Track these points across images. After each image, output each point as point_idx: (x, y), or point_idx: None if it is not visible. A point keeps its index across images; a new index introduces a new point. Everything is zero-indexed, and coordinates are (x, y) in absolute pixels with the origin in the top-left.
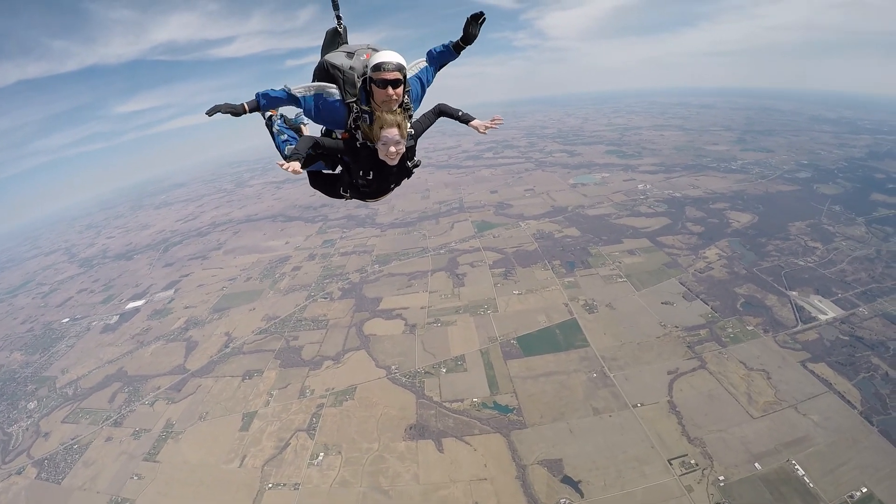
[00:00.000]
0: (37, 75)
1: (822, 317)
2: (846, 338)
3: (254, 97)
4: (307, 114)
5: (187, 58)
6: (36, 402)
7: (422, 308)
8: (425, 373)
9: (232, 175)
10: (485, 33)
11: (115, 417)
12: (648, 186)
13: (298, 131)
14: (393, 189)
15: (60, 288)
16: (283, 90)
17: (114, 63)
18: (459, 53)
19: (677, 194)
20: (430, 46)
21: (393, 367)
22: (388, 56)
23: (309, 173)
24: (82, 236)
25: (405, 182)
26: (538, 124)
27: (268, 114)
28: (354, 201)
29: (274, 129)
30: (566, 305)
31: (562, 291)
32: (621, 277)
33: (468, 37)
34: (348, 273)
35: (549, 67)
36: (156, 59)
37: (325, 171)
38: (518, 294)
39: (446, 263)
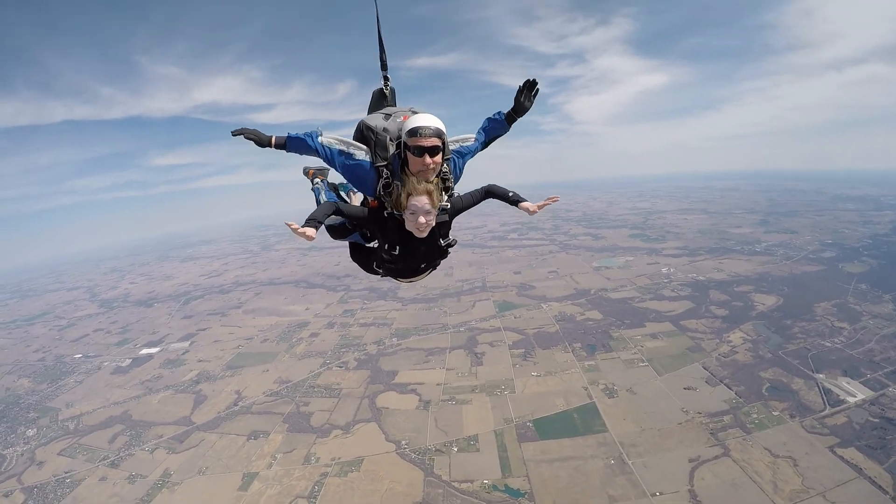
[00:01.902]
0: (83, 117)
1: (851, 399)
2: (876, 420)
3: (285, 136)
4: (332, 165)
5: (228, 119)
6: (36, 430)
7: (437, 384)
8: (436, 450)
9: (259, 238)
10: None
11: (112, 458)
12: (672, 270)
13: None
14: (427, 271)
15: (78, 324)
16: (312, 133)
17: (157, 116)
18: (511, 126)
19: (701, 277)
20: (461, 126)
21: (403, 442)
22: (426, 120)
23: (349, 245)
24: (106, 278)
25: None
26: (563, 207)
27: (315, 181)
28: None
29: (321, 198)
30: (585, 389)
31: (581, 375)
32: (643, 362)
33: (520, 107)
34: (366, 344)
35: (575, 151)
36: (198, 117)
37: (365, 245)
38: (537, 376)
39: (465, 341)
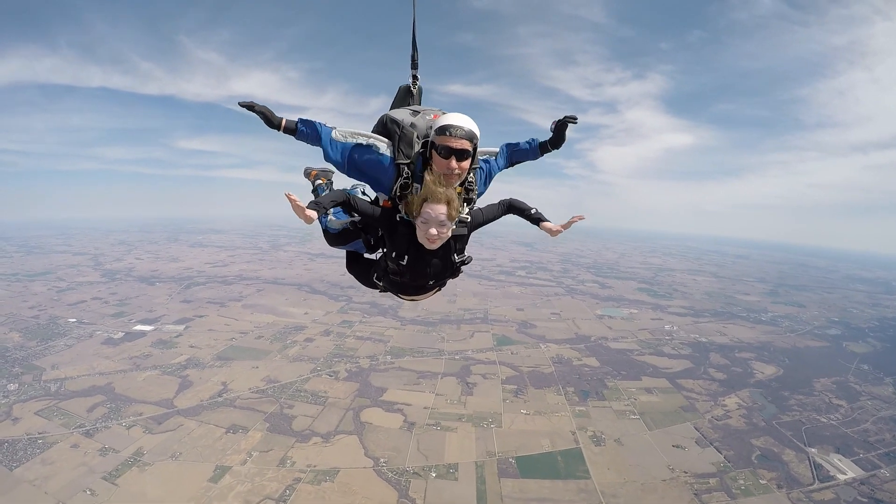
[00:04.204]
0: (118, 87)
1: (842, 476)
2: (865, 500)
3: (296, 120)
4: (339, 165)
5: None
6: (17, 385)
7: (425, 408)
8: (414, 473)
9: (270, 236)
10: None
11: (88, 428)
12: (675, 328)
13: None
14: (434, 290)
15: (77, 289)
16: (322, 124)
17: (190, 99)
18: (543, 155)
19: (703, 339)
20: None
21: (382, 459)
22: (460, 119)
23: (347, 254)
24: (113, 249)
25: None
26: (575, 252)
27: (317, 182)
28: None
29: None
30: (573, 433)
31: (571, 419)
32: (635, 414)
33: (559, 140)
34: (359, 357)
35: (594, 199)
36: (229, 107)
37: (363, 255)
38: (526, 413)
39: (459, 370)
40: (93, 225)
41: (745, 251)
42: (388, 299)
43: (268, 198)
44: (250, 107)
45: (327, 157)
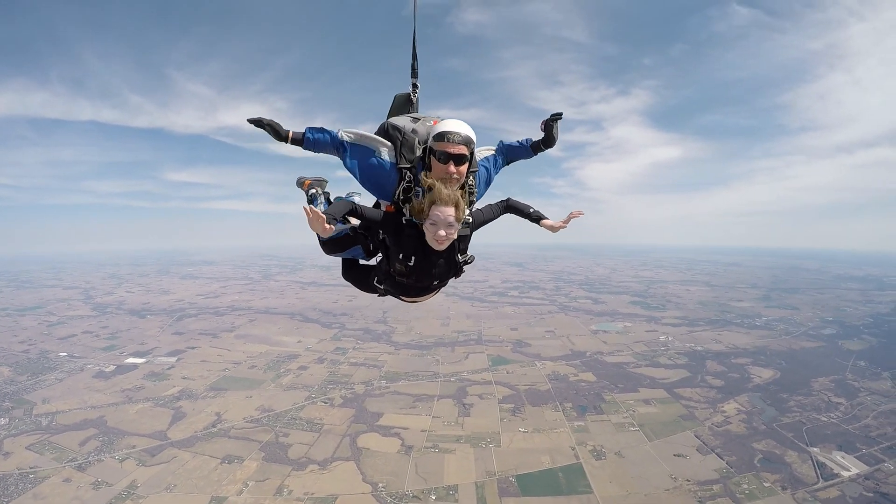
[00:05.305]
0: (108, 121)
1: (845, 473)
2: (871, 494)
3: (302, 130)
4: (348, 166)
5: (248, 146)
6: (8, 420)
7: (422, 431)
8: (413, 496)
9: (261, 266)
10: (527, 176)
11: (80, 461)
12: (670, 339)
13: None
14: (436, 289)
15: (68, 323)
16: (332, 131)
17: (179, 131)
18: (536, 154)
19: (699, 348)
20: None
21: (381, 484)
22: (457, 126)
23: (343, 262)
24: (104, 283)
25: (432, 303)
26: (567, 270)
27: (311, 191)
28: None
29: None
30: (573, 449)
31: (570, 435)
32: (634, 426)
33: (550, 139)
34: (354, 383)
35: (583, 216)
36: (219, 139)
37: (359, 261)
38: (524, 432)
39: (455, 391)
40: (83, 258)
41: (736, 259)
42: (380, 325)
43: (258, 228)
44: (258, 122)
45: (345, 163)
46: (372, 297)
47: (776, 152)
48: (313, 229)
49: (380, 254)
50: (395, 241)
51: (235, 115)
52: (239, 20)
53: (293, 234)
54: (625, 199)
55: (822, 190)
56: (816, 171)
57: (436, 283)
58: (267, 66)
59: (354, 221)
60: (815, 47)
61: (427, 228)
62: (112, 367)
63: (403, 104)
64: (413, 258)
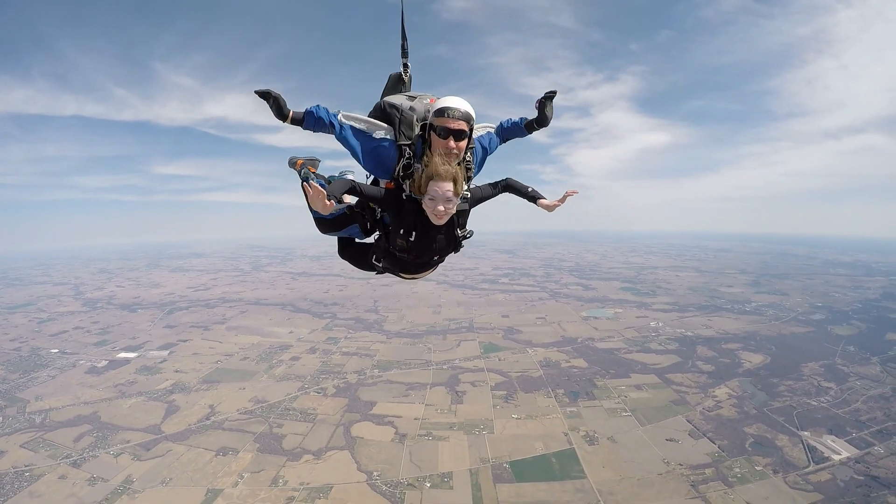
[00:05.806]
0: (92, 115)
1: (836, 457)
2: (861, 478)
3: (303, 111)
4: (351, 146)
5: (234, 137)
6: (1, 418)
7: (415, 419)
8: (408, 484)
9: (251, 257)
10: (516, 163)
11: (75, 458)
12: (661, 324)
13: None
14: (436, 264)
15: (58, 319)
16: (329, 111)
17: (165, 124)
18: (531, 133)
19: (689, 333)
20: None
21: (375, 473)
22: (456, 102)
23: (339, 241)
24: (94, 278)
25: (423, 291)
26: (557, 257)
27: (303, 171)
28: (387, 277)
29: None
30: (566, 435)
31: (563, 420)
32: (626, 411)
33: (544, 119)
34: (346, 373)
35: (573, 203)
36: (205, 130)
37: (355, 240)
38: (517, 418)
39: (447, 379)
40: (72, 254)
41: (726, 244)
42: (372, 314)
43: (246, 219)
44: (266, 94)
45: (345, 144)
46: (363, 287)
47: (763, 137)
48: (314, 207)
49: (377, 231)
50: (395, 217)
51: (220, 106)
52: (223, 12)
53: (281, 224)
54: (614, 184)
55: (810, 175)
56: (804, 157)
57: (435, 258)
58: (252, 56)
59: (349, 199)
60: (802, 32)
61: (426, 204)
62: (104, 363)
63: (396, 83)
64: (414, 233)
